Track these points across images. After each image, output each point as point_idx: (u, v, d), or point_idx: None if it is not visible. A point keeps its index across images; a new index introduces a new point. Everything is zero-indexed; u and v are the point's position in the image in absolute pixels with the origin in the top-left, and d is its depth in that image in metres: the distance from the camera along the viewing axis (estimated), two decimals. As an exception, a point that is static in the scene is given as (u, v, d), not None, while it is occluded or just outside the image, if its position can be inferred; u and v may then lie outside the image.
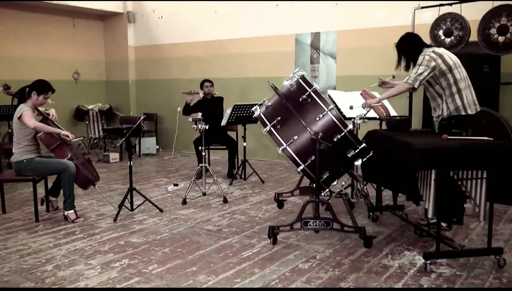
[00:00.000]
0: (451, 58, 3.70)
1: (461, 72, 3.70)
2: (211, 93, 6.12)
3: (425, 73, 3.63)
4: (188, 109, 6.02)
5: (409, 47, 3.83)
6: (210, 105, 5.99)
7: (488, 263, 3.14)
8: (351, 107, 4.24)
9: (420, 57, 3.68)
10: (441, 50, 3.74)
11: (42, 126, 4.12)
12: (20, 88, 4.25)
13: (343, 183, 4.82)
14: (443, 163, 2.93)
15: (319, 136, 3.26)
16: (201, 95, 6.03)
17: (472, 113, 3.70)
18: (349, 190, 4.81)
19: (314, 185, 3.43)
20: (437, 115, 3.80)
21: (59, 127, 4.30)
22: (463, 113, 3.67)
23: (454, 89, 3.66)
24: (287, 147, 3.37)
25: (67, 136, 4.16)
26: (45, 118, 4.33)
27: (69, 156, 4.19)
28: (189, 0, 7.93)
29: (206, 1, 7.77)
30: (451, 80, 3.66)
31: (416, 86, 3.68)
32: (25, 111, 4.03)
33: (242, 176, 5.94)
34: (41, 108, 4.38)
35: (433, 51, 3.68)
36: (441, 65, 3.63)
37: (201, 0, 7.80)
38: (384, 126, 4.36)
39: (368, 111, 4.05)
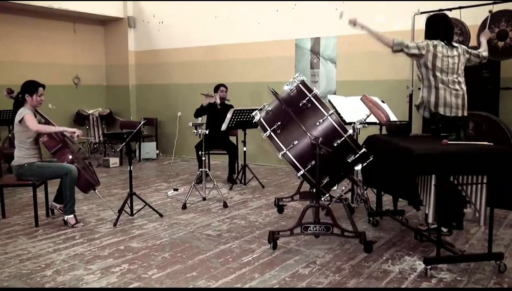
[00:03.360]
0: (444, 63, 3.62)
1: (446, 78, 3.63)
2: (225, 98, 6.14)
3: (411, 51, 3.65)
4: (200, 111, 6.02)
5: (427, 28, 3.81)
6: (220, 112, 5.91)
7: (488, 268, 3.14)
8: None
9: (422, 40, 3.71)
10: (443, 52, 3.63)
11: (44, 128, 4.10)
12: (15, 97, 4.24)
13: (343, 188, 4.81)
14: (443, 168, 2.93)
15: (319, 141, 3.26)
16: (218, 101, 5.97)
17: (447, 115, 3.65)
18: (349, 195, 4.81)
19: (314, 190, 3.43)
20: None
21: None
22: (433, 110, 3.67)
23: (433, 83, 3.66)
24: (287, 152, 3.37)
25: (74, 132, 4.11)
26: (47, 122, 4.34)
27: (70, 158, 4.18)
28: (190, 1, 7.95)
29: (206, 6, 7.80)
30: (430, 74, 3.66)
31: (394, 49, 3.69)
32: (26, 114, 4.01)
33: (242, 181, 5.93)
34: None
35: (435, 45, 3.63)
36: (427, 62, 3.64)
37: (202, 1, 7.84)
38: (384, 131, 4.36)
39: (367, 117, 4.04)
